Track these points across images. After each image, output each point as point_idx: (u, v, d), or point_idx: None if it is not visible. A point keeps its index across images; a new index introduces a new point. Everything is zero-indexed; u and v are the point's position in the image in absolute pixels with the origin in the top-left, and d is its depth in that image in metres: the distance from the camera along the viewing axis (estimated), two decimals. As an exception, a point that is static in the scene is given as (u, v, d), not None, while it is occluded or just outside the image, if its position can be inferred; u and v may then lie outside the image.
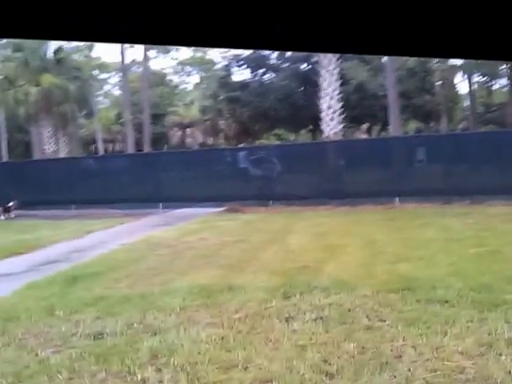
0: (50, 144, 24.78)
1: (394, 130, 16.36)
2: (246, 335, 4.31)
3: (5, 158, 27.78)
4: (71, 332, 4.56)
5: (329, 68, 16.10)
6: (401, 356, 3.70)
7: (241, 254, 7.90)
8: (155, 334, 4.41)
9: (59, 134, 25.82)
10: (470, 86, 26.82)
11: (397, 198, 13.43)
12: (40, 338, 4.50)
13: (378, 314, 4.64)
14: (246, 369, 3.62)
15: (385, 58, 19.51)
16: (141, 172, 17.21)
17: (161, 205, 16.19)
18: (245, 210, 14.19)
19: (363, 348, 3.85)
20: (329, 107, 16.15)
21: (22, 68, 24.30)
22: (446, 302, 4.75)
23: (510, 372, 3.34)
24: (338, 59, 16.16)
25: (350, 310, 4.82)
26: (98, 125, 34.30)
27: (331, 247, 7.77)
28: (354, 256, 7.02)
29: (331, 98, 16.15)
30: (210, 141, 36.88)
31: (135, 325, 4.70)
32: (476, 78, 27.51)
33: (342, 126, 16.53)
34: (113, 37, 0.61)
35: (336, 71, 16.22)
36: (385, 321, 4.46)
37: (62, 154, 24.55)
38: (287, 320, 4.69)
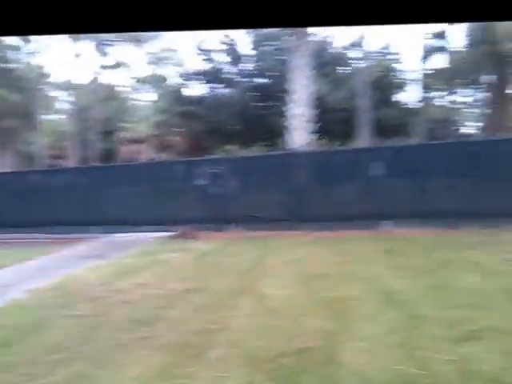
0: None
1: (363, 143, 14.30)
2: None
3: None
4: None
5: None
6: None
7: (196, 319, 5.11)
8: None
9: (4, 149, 24.91)
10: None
11: (384, 222, 10.99)
12: None
13: None
14: None
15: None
16: (79, 190, 14.57)
17: (94, 229, 13.51)
18: (198, 235, 11.47)
19: None
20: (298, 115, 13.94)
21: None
22: None
23: None
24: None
25: None
26: (46, 140, 31.45)
27: (333, 304, 5.16)
28: (378, 325, 4.43)
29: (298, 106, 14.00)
30: (162, 157, 34.10)
31: None
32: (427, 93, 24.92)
33: (311, 136, 14.28)
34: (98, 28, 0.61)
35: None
36: None
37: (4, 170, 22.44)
38: None
